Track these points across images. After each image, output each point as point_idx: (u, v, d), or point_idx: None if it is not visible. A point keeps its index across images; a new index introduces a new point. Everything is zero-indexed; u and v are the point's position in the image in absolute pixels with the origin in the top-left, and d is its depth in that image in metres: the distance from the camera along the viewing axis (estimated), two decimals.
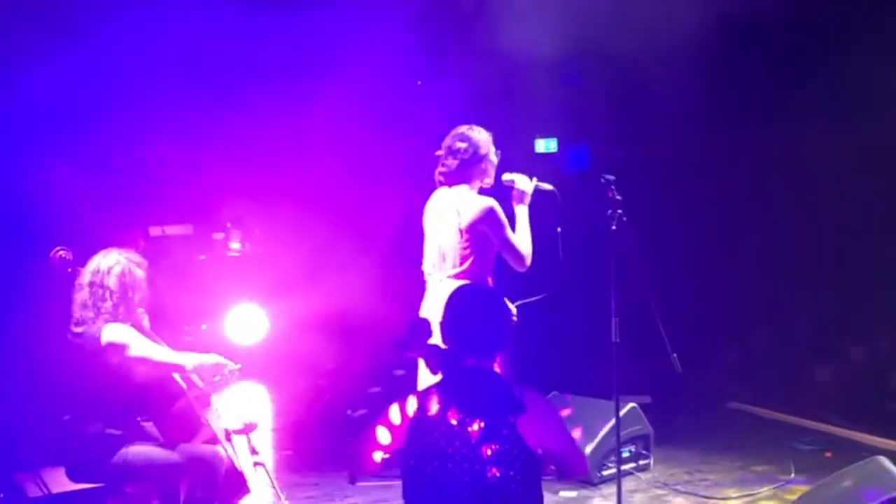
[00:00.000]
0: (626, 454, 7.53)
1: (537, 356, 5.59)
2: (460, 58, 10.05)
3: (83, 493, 5.70)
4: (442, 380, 4.30)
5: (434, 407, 4.21)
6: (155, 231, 10.70)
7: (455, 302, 4.45)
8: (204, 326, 10.64)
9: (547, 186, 6.36)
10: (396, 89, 10.33)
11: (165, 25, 9.40)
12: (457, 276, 6.02)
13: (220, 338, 10.43)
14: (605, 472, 7.41)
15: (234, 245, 11.17)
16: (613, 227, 6.28)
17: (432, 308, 6.03)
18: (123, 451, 5.65)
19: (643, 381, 8.92)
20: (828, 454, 7.95)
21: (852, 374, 9.24)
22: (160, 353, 5.76)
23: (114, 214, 9.34)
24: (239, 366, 6.04)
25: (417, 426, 4.25)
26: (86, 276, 5.80)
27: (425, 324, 4.34)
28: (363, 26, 9.73)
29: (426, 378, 6.13)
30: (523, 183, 6.31)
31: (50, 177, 8.69)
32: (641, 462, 7.73)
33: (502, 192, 6.31)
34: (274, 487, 6.23)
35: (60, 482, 5.73)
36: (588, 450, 7.32)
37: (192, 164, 10.44)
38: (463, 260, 6.04)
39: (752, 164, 9.80)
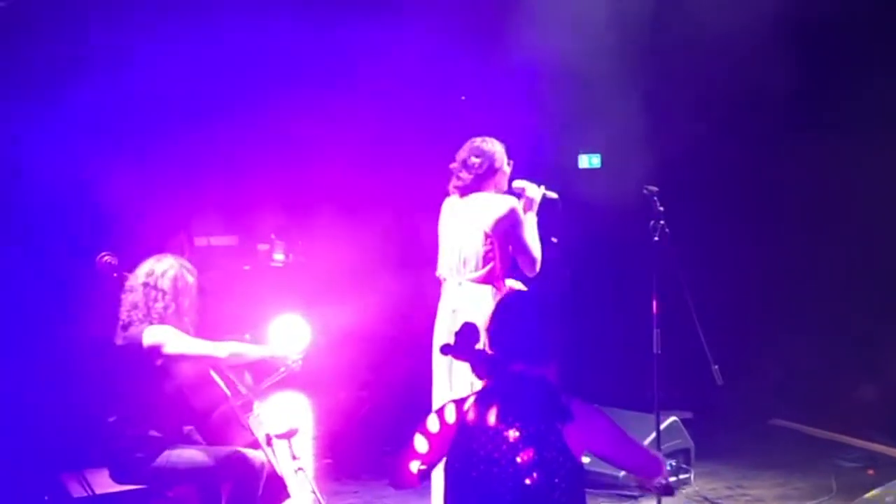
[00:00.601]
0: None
1: (577, 368, 5.59)
2: (503, 70, 10.06)
3: (126, 494, 5.76)
4: (488, 385, 4.30)
5: (480, 412, 4.21)
6: (200, 241, 10.80)
7: (504, 307, 4.44)
8: (247, 336, 10.67)
9: (553, 195, 6.43)
10: (440, 101, 10.38)
11: (213, 40, 9.50)
12: (477, 280, 6.08)
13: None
14: None
15: (278, 256, 11.26)
16: (656, 238, 6.30)
17: (449, 311, 6.13)
18: (166, 453, 5.72)
19: (685, 396, 8.91)
20: (870, 471, 7.87)
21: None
22: (196, 345, 5.82)
23: (160, 224, 9.45)
24: (299, 358, 6.12)
25: (463, 431, 4.25)
26: (139, 277, 5.89)
27: (473, 328, 4.33)
28: (407, 38, 9.77)
29: (441, 380, 6.20)
30: (532, 191, 6.38)
31: (97, 185, 8.79)
32: (682, 476, 7.71)
33: None
34: (314, 492, 6.26)
35: (104, 483, 5.79)
36: None
37: (238, 176, 10.53)
38: (485, 262, 6.11)
39: (797, 180, 9.73)
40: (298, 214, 11.00)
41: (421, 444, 4.32)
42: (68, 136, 8.60)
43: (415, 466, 4.27)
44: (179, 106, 9.63)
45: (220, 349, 5.89)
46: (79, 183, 8.72)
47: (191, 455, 5.79)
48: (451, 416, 4.29)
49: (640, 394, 7.84)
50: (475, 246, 6.14)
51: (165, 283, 5.88)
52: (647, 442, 7.31)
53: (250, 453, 5.92)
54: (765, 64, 9.19)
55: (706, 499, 7.44)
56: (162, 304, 5.84)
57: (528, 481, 4.08)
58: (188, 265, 6.04)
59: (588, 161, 10.91)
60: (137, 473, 5.73)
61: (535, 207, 6.36)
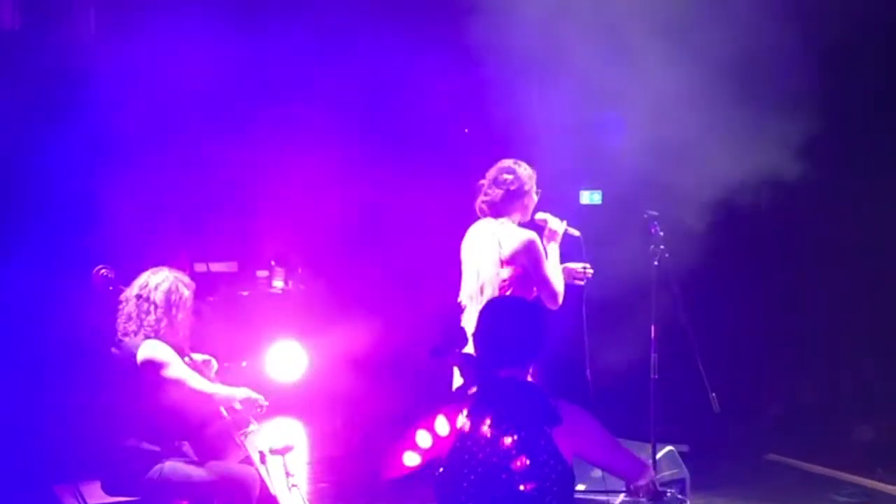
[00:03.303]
0: (652, 471, 7.43)
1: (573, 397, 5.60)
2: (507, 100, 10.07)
3: None
4: (478, 391, 4.30)
5: (470, 419, 4.21)
6: (200, 267, 10.80)
7: (488, 313, 4.46)
8: (244, 363, 10.68)
9: (575, 232, 6.42)
10: (443, 131, 10.41)
11: (214, 62, 9.53)
12: None
13: (259, 374, 10.46)
14: None
15: (278, 283, 11.27)
16: (656, 263, 6.31)
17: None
18: (159, 466, 5.71)
19: (681, 429, 8.87)
20: None
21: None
22: (195, 380, 5.82)
23: (159, 249, 9.45)
24: (266, 403, 6.11)
25: (456, 438, 4.24)
26: (134, 289, 5.91)
27: (461, 332, 4.35)
28: (411, 64, 9.79)
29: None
30: (555, 224, 6.37)
31: (101, 201, 8.82)
32: None
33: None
34: None
35: (97, 495, 5.77)
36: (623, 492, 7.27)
37: (239, 202, 10.55)
38: (502, 291, 6.05)
39: (802, 215, 9.70)
40: (299, 241, 11.00)
41: (423, 439, 4.30)
42: (73, 152, 8.63)
43: (410, 458, 4.25)
44: (183, 128, 9.66)
45: (218, 392, 5.89)
46: (82, 198, 8.74)
47: (183, 469, 5.78)
48: (443, 428, 4.29)
49: (635, 422, 7.80)
50: (492, 274, 6.11)
51: (158, 297, 5.88)
52: None
53: (244, 469, 5.91)
54: None
55: None
56: (154, 316, 5.85)
57: (521, 487, 4.07)
58: (184, 278, 6.06)
59: (589, 197, 10.92)
60: (130, 486, 5.73)
61: (559, 240, 6.34)
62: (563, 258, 6.36)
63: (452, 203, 10.12)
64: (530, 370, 4.40)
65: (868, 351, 9.52)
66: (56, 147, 8.49)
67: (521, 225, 6.29)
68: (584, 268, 6.26)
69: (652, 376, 6.34)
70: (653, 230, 6.35)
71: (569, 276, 6.24)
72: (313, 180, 10.55)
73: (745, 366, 9.77)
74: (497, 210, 6.24)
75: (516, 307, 4.58)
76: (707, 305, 8.46)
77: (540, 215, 6.39)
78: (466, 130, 10.87)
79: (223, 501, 5.83)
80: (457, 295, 6.32)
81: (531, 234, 6.12)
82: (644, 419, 6.73)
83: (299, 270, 11.27)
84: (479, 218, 6.37)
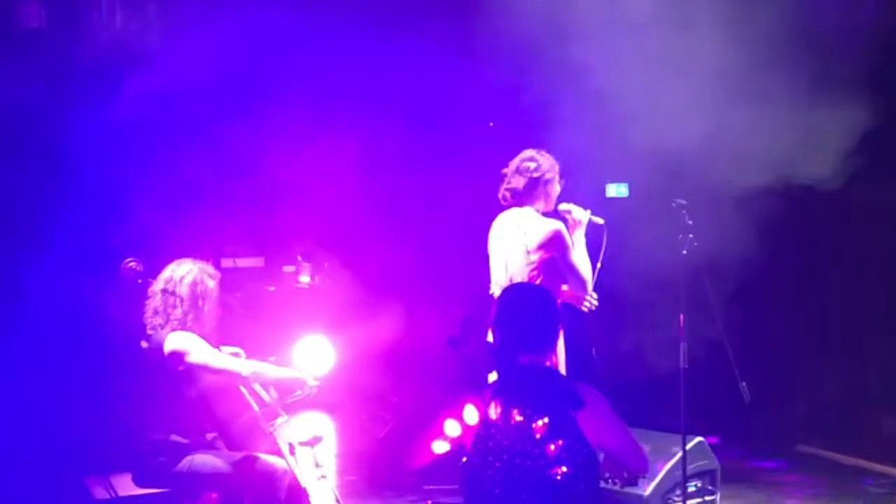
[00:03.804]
0: (691, 489, 7.42)
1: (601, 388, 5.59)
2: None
3: (149, 498, 5.75)
4: (500, 379, 4.31)
5: (496, 406, 4.20)
6: (227, 263, 10.81)
7: (506, 301, 4.47)
8: (272, 358, 10.68)
9: (599, 220, 6.45)
10: (468, 126, 10.39)
11: (244, 59, 9.54)
12: None
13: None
14: None
15: (304, 278, 11.25)
16: (684, 252, 6.27)
17: None
18: (188, 458, 5.72)
19: (711, 422, 8.83)
20: None
21: None
22: (220, 359, 5.82)
23: (185, 245, 9.46)
24: (316, 383, 6.12)
25: (480, 426, 4.24)
26: (159, 283, 5.93)
27: (478, 320, 4.35)
28: (437, 61, 9.76)
29: None
30: (579, 213, 6.41)
31: (125, 199, 8.85)
32: (707, 498, 7.60)
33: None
34: (338, 500, 6.22)
35: (128, 487, 5.79)
36: (654, 483, 7.25)
37: (265, 197, 10.55)
38: (531, 280, 6.07)
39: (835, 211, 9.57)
40: (325, 236, 11.01)
41: (452, 428, 4.32)
42: (101, 146, 8.65)
43: (439, 447, 4.27)
44: (210, 124, 9.67)
45: (243, 366, 5.89)
46: (110, 193, 8.77)
47: (213, 461, 5.79)
48: (471, 417, 4.29)
49: (665, 415, 7.77)
50: (520, 265, 6.12)
51: (183, 290, 5.90)
52: (672, 462, 7.27)
53: (273, 461, 5.91)
54: None
55: None
56: (180, 310, 5.87)
57: (553, 472, 4.06)
58: (209, 269, 6.07)
59: (616, 190, 10.88)
60: (159, 478, 5.74)
61: (583, 230, 6.37)
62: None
63: (477, 196, 10.16)
64: (549, 356, 4.40)
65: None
66: (84, 141, 8.50)
67: (546, 215, 6.30)
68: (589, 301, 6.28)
69: (682, 366, 6.29)
70: (681, 218, 6.30)
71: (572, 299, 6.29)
72: (339, 175, 10.55)
73: (775, 357, 9.67)
74: (520, 198, 6.26)
75: (533, 294, 4.59)
76: (735, 289, 8.37)
77: (563, 206, 6.42)
78: (491, 124, 10.84)
79: (253, 493, 5.82)
80: (481, 286, 6.32)
81: (557, 224, 6.14)
82: (674, 410, 6.68)
83: (326, 265, 11.26)
84: (502, 208, 6.39)
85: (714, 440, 8.44)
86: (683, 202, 6.34)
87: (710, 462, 7.63)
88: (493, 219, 6.41)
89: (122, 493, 5.77)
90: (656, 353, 8.06)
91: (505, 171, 6.36)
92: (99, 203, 8.71)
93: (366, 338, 10.24)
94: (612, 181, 10.76)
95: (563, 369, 5.92)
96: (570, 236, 6.29)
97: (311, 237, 11.10)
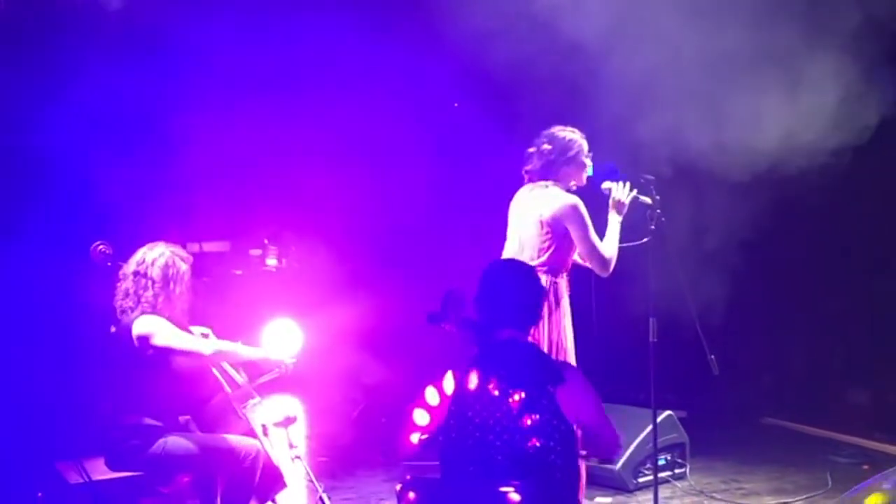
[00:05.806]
0: (661, 462, 7.50)
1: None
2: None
3: (122, 481, 5.74)
4: (479, 353, 4.34)
5: (474, 380, 4.23)
6: (192, 247, 10.76)
7: (487, 276, 4.49)
8: (240, 342, 10.65)
9: (647, 200, 6.32)
10: (434, 109, 10.38)
11: (213, 44, 9.48)
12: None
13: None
14: (640, 479, 7.42)
15: (271, 261, 11.23)
16: (652, 227, 6.29)
17: None
18: (161, 441, 5.72)
19: (678, 395, 8.93)
20: (865, 467, 7.87)
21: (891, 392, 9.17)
22: (184, 339, 5.81)
23: (152, 230, 9.41)
24: (293, 360, 6.14)
25: (458, 400, 4.27)
26: (131, 265, 5.92)
27: (459, 295, 4.38)
28: (409, 51, 9.71)
29: None
30: (619, 192, 6.26)
31: (92, 183, 8.80)
32: (677, 471, 7.73)
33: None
34: (312, 480, 6.25)
35: (101, 470, 5.78)
36: (625, 456, 7.34)
37: (230, 181, 10.51)
38: (541, 252, 6.00)
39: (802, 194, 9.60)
40: (292, 219, 10.99)
41: (421, 417, 4.34)
42: (71, 131, 8.60)
43: (416, 438, 4.29)
44: (174, 107, 9.62)
45: (205, 346, 5.89)
46: (78, 177, 8.72)
47: (186, 443, 5.79)
48: (449, 386, 4.32)
49: (634, 389, 7.84)
50: (531, 235, 6.08)
51: (155, 272, 5.90)
52: (643, 435, 7.36)
53: (246, 442, 5.92)
54: None
55: (702, 492, 7.46)
56: (151, 292, 5.86)
57: (526, 445, 4.09)
58: (182, 252, 6.09)
59: None
60: (133, 461, 5.72)
61: (624, 211, 6.24)
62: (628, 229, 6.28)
63: (444, 177, 10.19)
64: (530, 332, 4.43)
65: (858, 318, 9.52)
66: (51, 126, 8.45)
67: (576, 191, 6.20)
68: None
69: (651, 340, 6.32)
70: (649, 193, 6.30)
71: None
72: (304, 157, 10.54)
73: (738, 330, 9.75)
74: (542, 174, 6.16)
75: (515, 270, 4.61)
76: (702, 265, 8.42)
77: (605, 185, 6.28)
78: (456, 104, 10.84)
79: (226, 475, 5.83)
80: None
81: (573, 199, 6.02)
82: (642, 383, 6.73)
83: (293, 248, 11.24)
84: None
85: (682, 414, 8.56)
86: (651, 177, 6.35)
87: (680, 435, 7.74)
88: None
89: (96, 476, 5.72)
90: (625, 327, 8.12)
91: (531, 150, 6.22)
92: (67, 188, 8.66)
93: (336, 319, 10.23)
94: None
95: (570, 348, 5.87)
96: (609, 215, 6.19)
97: (277, 220, 11.07)
